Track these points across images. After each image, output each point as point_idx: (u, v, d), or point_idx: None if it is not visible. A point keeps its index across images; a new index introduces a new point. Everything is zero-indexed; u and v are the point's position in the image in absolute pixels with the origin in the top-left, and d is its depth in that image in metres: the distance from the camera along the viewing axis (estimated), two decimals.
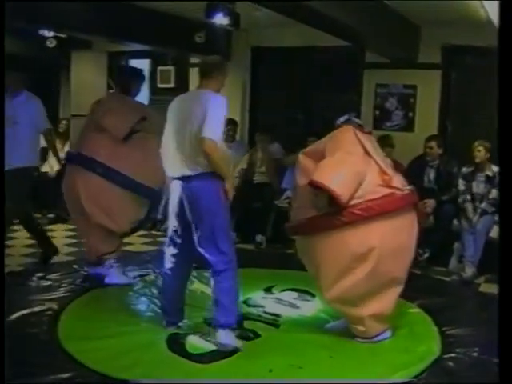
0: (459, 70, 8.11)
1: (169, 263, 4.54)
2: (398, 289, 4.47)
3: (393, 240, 4.28)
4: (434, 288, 4.87)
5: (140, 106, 5.85)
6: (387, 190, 4.30)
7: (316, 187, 4.27)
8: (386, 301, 4.41)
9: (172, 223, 4.49)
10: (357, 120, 4.83)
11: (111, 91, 5.90)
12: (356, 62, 8.43)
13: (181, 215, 4.37)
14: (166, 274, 4.61)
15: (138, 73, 6.10)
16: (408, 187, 4.47)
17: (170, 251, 4.53)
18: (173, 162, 4.35)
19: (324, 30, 6.68)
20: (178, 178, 4.32)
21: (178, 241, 4.47)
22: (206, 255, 4.30)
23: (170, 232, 4.53)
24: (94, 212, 5.49)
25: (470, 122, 7.88)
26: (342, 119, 4.76)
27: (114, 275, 5.68)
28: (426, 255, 6.70)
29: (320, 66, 8.91)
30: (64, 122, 10.01)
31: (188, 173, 4.24)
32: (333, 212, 4.24)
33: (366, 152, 4.41)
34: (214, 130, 4.18)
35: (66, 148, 9.69)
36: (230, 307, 4.32)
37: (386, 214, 4.24)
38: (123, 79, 5.87)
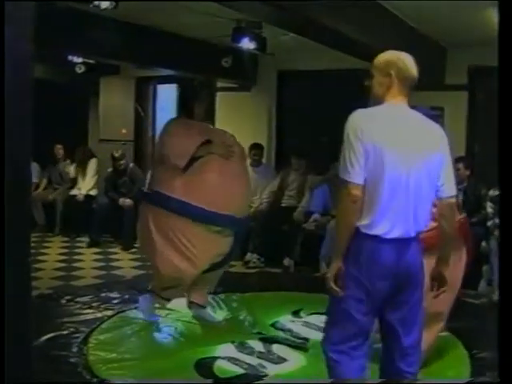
0: (486, 91, 8.08)
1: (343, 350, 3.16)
2: (440, 325, 4.38)
3: None
4: (464, 311, 4.81)
5: (204, 129, 5.14)
6: (432, 224, 4.17)
7: None
8: (428, 335, 4.16)
9: (357, 293, 3.06)
10: None
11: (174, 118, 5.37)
12: None
13: (384, 285, 3.06)
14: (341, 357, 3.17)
15: (199, 93, 5.35)
16: (459, 217, 4.25)
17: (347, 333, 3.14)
18: (388, 218, 3.02)
19: (350, 54, 6.71)
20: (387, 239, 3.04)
21: (360, 316, 3.11)
22: (401, 333, 3.20)
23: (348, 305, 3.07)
24: (164, 251, 4.95)
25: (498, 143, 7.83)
26: None
27: (144, 310, 5.40)
28: None
29: (346, 89, 8.92)
30: (81, 149, 10.13)
31: (410, 234, 3.14)
32: None
33: None
34: (454, 183, 3.22)
35: (89, 177, 9.84)
36: None
37: (431, 249, 4.14)
38: (185, 102, 5.26)
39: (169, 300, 5.33)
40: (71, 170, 10.12)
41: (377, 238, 3.01)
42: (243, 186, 5.15)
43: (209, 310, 5.55)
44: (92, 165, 9.97)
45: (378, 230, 3.01)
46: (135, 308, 5.60)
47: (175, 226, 4.89)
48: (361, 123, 3.09)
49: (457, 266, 4.33)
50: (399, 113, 3.20)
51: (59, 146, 10.21)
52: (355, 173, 2.97)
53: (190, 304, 5.44)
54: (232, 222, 5.00)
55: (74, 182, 9.99)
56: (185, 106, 5.22)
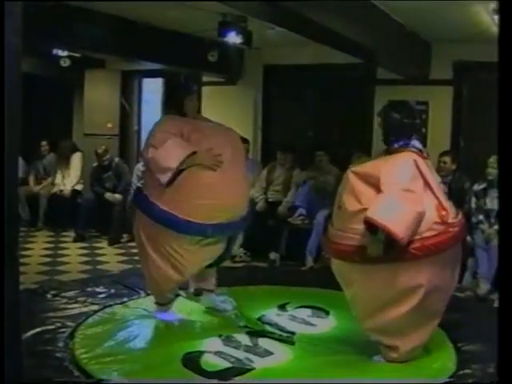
0: (471, 85, 8.13)
1: None
2: (437, 321, 4.38)
3: (439, 277, 4.15)
4: (449, 304, 4.83)
5: (192, 132, 4.84)
6: (441, 228, 4.09)
7: (371, 224, 3.97)
8: (424, 333, 4.31)
9: None
10: (417, 144, 4.33)
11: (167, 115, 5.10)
12: (368, 78, 8.46)
13: None
14: None
15: (192, 89, 5.19)
16: (459, 219, 4.29)
17: None
18: None
19: (336, 48, 6.73)
20: None
21: None
22: None
23: None
24: (154, 258, 4.89)
25: (482, 137, 7.89)
26: (400, 143, 4.28)
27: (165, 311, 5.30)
28: None
29: (332, 84, 8.94)
30: (64, 144, 10.04)
31: None
32: (389, 247, 3.99)
33: (426, 183, 4.14)
34: None
35: (73, 171, 9.80)
36: None
37: (439, 252, 4.10)
38: (177, 99, 5.03)
39: (163, 305, 5.26)
40: (55, 163, 10.07)
41: None
42: (232, 192, 4.86)
43: (216, 296, 5.49)
44: (76, 159, 9.90)
45: None
46: (121, 303, 5.59)
47: (160, 234, 4.81)
48: None
49: (455, 268, 4.35)
50: None
51: (44, 143, 10.18)
52: None
53: (197, 291, 5.42)
54: (220, 229, 4.85)
55: (58, 177, 9.94)
56: (174, 102, 5.04)
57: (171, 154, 4.67)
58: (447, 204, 4.24)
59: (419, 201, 4.01)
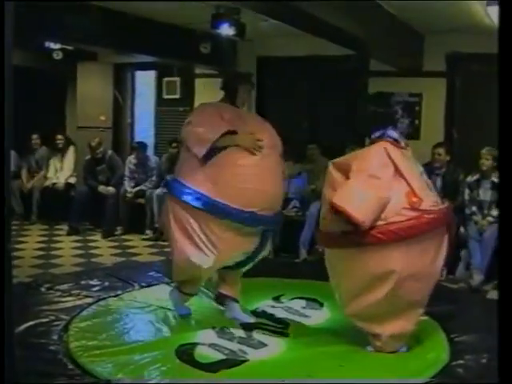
0: (464, 77, 8.14)
1: None
2: (419, 311, 4.37)
3: (415, 264, 4.14)
4: (442, 295, 4.85)
5: (235, 117, 4.76)
6: (413, 214, 4.10)
7: (336, 210, 4.11)
8: (405, 321, 4.31)
9: None
10: (393, 134, 4.43)
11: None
12: (361, 70, 8.45)
13: None
14: None
15: (246, 78, 5.17)
16: (439, 207, 4.29)
17: None
18: None
19: (329, 40, 6.72)
20: None
21: None
22: None
23: None
24: (182, 244, 4.65)
25: (476, 129, 7.90)
26: (377, 134, 4.42)
27: (174, 302, 5.22)
28: None
29: (325, 75, 8.93)
30: (60, 136, 10.04)
31: None
32: (354, 231, 4.08)
33: (398, 171, 4.21)
34: None
35: (67, 165, 9.79)
36: None
37: (409, 238, 4.11)
38: (229, 87, 4.97)
39: (190, 295, 5.15)
40: (48, 156, 10.05)
41: None
42: (271, 181, 4.69)
43: (239, 306, 5.20)
44: (69, 153, 9.91)
45: None
46: (115, 296, 5.59)
47: (193, 218, 4.58)
48: None
49: (435, 256, 4.30)
50: None
51: (35, 136, 10.14)
52: None
53: (220, 296, 5.19)
54: (255, 219, 4.60)
55: (51, 170, 9.93)
56: (229, 90, 4.96)
57: (211, 127, 4.58)
58: (423, 192, 4.25)
59: (384, 187, 4.14)
